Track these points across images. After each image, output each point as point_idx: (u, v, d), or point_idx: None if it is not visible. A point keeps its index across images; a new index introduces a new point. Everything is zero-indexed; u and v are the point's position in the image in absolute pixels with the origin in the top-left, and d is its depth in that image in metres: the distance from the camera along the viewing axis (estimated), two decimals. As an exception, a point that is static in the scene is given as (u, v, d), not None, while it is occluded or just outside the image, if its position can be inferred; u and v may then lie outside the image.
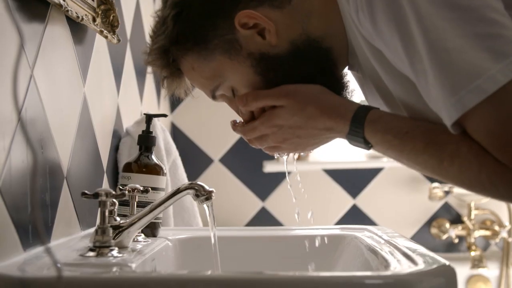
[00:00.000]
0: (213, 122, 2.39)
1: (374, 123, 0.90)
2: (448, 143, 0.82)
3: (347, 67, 1.02)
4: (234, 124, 1.04)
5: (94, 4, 1.22)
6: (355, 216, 2.38)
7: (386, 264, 0.86)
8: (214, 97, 1.02)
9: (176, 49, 0.98)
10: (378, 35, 0.84)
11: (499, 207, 2.38)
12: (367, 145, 0.92)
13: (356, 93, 1.02)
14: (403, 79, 0.87)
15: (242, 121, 1.03)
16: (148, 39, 1.03)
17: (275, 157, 1.11)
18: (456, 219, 2.39)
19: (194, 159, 2.37)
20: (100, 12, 1.24)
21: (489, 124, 0.77)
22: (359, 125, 0.91)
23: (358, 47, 0.93)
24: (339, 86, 0.99)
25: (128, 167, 1.20)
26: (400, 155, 0.90)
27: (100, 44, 1.34)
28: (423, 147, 0.85)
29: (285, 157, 1.07)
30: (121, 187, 1.08)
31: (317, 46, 0.96)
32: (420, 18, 0.78)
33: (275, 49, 0.95)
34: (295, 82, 0.96)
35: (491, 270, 2.34)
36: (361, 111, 0.92)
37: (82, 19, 1.12)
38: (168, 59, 0.99)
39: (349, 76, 1.03)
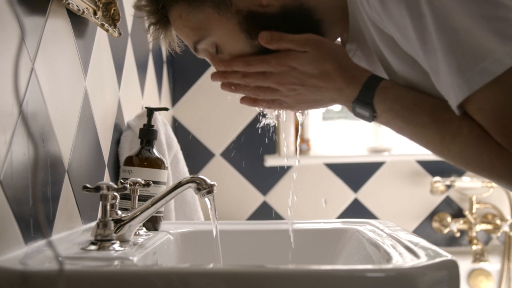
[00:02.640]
0: (214, 116, 2.39)
1: (385, 90, 0.90)
2: (452, 121, 0.83)
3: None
4: (229, 60, 0.99)
5: (95, -2, 1.22)
6: (356, 210, 2.38)
7: (388, 258, 0.86)
8: (195, 50, 1.01)
9: None
10: (388, 16, 0.84)
11: (501, 201, 2.38)
12: (373, 113, 0.91)
13: None
14: (412, 61, 0.87)
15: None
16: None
17: (263, 112, 1.08)
18: (458, 213, 2.39)
19: (195, 153, 2.37)
20: (101, 6, 1.24)
21: (492, 107, 0.77)
22: (370, 91, 0.91)
23: (366, 30, 0.94)
24: None
25: (130, 161, 1.20)
26: (404, 127, 0.90)
27: (101, 38, 1.33)
28: (429, 122, 0.86)
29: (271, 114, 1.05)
30: (122, 181, 1.08)
31: (308, 15, 0.96)
32: None
33: (265, 9, 0.95)
34: None
35: (492, 264, 2.34)
36: (374, 78, 0.92)
37: (83, 12, 1.12)
38: (157, 5, 0.99)
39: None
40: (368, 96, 0.91)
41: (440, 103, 0.86)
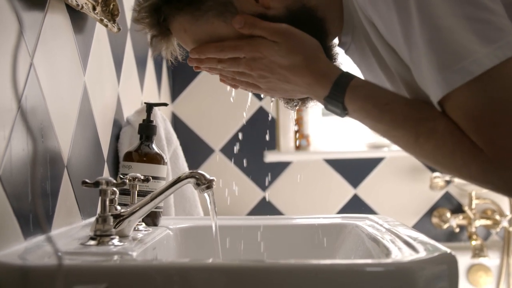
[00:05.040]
0: (214, 112, 2.39)
1: (356, 89, 0.90)
2: (427, 120, 0.83)
3: (337, 43, 1.02)
4: (202, 46, 0.98)
5: (94, -7, 1.22)
6: (356, 206, 2.38)
7: (387, 252, 0.86)
8: None
9: (168, 8, 0.96)
10: (373, 6, 0.85)
11: (500, 196, 2.38)
12: (344, 111, 0.91)
13: (343, 67, 1.01)
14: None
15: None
16: None
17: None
18: (457, 209, 2.39)
19: (195, 149, 2.37)
20: (100, 1, 1.23)
21: (468, 106, 0.78)
22: (340, 89, 0.90)
23: (359, 23, 0.94)
24: (329, 57, 0.98)
25: (129, 156, 1.20)
26: (376, 126, 0.90)
27: (100, 33, 1.33)
28: (401, 121, 0.86)
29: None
30: (121, 176, 1.08)
31: (312, 15, 0.96)
32: None
33: (271, 11, 0.94)
34: None
35: (492, 260, 2.34)
36: (345, 76, 0.91)
37: (82, 7, 1.12)
38: (158, 18, 0.97)
39: (338, 50, 1.03)
40: (339, 95, 0.90)
41: (414, 102, 0.86)
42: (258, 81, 0.99)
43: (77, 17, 1.17)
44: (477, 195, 2.36)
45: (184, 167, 1.68)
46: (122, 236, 0.98)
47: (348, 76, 0.91)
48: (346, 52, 1.03)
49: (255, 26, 0.94)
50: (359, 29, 0.95)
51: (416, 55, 0.81)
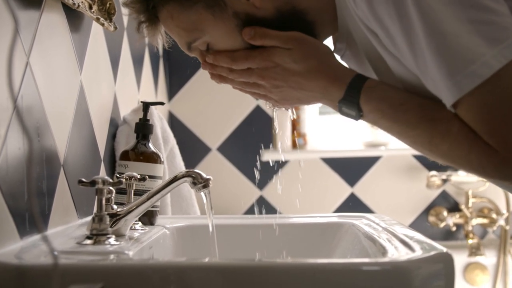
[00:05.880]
0: (210, 111, 2.39)
1: (370, 90, 0.90)
2: (440, 121, 0.84)
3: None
4: (215, 54, 0.99)
5: (90, -9, 1.21)
6: (353, 205, 2.38)
7: (383, 251, 0.86)
8: (187, 49, 1.00)
9: None
10: (374, 17, 0.84)
11: (497, 195, 2.38)
12: (359, 113, 0.91)
13: None
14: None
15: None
16: None
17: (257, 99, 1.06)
18: (454, 207, 2.40)
19: (192, 148, 2.36)
20: (96, 0, 1.23)
21: (480, 108, 0.79)
22: (356, 91, 0.91)
23: (354, 30, 0.93)
24: None
25: (125, 155, 1.20)
26: (391, 127, 0.90)
27: (96, 32, 1.33)
28: (416, 121, 0.86)
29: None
30: (118, 175, 1.08)
31: (301, 18, 0.96)
32: (418, 0, 0.79)
33: (261, 12, 0.94)
34: None
35: (488, 258, 2.35)
36: (359, 77, 0.92)
37: (79, 6, 1.11)
38: (148, 4, 0.98)
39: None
40: (354, 96, 0.91)
41: (428, 102, 0.86)
42: (270, 91, 0.99)
43: (73, 16, 1.16)
44: (473, 194, 2.36)
45: (180, 166, 1.68)
46: (119, 235, 0.97)
47: (362, 78, 0.92)
48: (342, 58, 1.03)
49: (266, 35, 0.94)
50: (354, 36, 0.95)
51: (422, 62, 0.81)
